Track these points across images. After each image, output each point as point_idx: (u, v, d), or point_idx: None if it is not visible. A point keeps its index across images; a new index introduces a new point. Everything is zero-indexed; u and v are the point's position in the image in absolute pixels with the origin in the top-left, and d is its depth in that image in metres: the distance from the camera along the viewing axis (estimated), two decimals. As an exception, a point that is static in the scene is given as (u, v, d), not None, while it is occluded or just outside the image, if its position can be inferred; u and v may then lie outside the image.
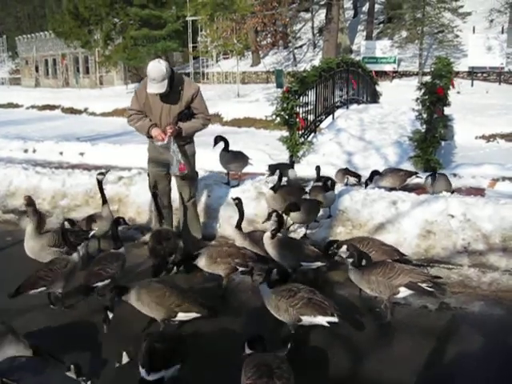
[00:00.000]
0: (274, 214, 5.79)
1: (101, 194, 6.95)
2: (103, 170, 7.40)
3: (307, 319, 4.43)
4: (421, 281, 4.88)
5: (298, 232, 7.16)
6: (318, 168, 8.15)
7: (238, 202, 6.29)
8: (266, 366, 3.52)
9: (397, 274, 4.89)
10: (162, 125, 6.13)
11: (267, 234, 5.70)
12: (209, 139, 7.97)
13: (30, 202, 6.17)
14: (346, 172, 9.15)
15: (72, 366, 3.85)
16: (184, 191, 6.51)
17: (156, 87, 5.80)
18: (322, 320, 4.40)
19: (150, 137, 6.24)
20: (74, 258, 5.52)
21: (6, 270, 6.27)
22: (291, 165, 8.93)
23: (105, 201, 6.91)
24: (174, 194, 6.69)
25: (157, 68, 5.72)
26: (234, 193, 7.58)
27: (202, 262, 5.61)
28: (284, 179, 8.28)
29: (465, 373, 4.27)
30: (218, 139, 8.16)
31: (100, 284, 5.33)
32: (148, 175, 6.68)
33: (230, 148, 8.33)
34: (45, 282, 5.19)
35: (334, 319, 4.37)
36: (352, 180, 8.99)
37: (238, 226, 6.19)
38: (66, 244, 5.77)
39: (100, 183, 6.96)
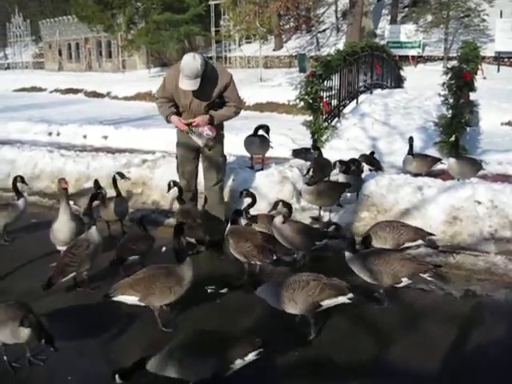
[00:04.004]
0: (281, 204, 5.78)
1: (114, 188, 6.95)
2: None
3: (328, 303, 4.43)
4: (423, 271, 4.85)
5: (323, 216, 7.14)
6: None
7: (249, 193, 6.43)
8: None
9: (400, 264, 4.85)
10: (192, 114, 6.10)
11: (278, 220, 5.69)
12: (232, 123, 7.96)
13: (64, 186, 5.92)
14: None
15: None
16: (211, 175, 6.51)
17: (189, 84, 5.71)
18: (343, 299, 4.44)
19: (169, 122, 6.23)
20: (94, 237, 5.42)
21: (32, 253, 6.33)
22: (316, 147, 8.85)
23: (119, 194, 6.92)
24: (201, 178, 6.71)
25: (191, 65, 5.60)
26: (258, 177, 7.58)
27: (226, 245, 5.69)
28: (307, 163, 8.28)
29: (489, 360, 4.22)
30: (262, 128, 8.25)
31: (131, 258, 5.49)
32: (176, 158, 6.69)
33: (251, 132, 8.35)
34: (72, 267, 5.20)
35: (351, 295, 4.43)
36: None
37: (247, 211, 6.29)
38: (89, 216, 5.62)
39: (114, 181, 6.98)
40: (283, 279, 4.59)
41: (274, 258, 5.49)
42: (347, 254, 5.01)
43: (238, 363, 3.72)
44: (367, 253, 5.17)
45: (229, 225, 5.74)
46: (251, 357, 3.74)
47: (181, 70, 5.66)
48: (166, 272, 4.61)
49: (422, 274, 4.84)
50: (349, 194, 7.53)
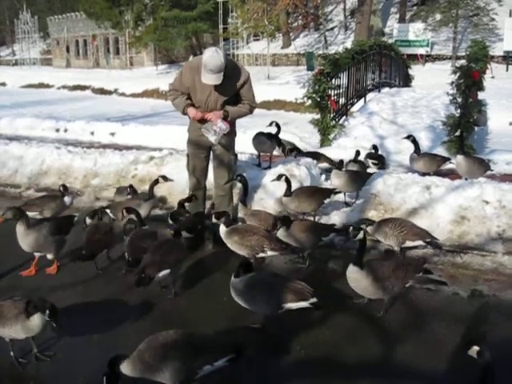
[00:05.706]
0: (279, 222, 5.70)
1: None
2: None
3: (289, 306, 4.39)
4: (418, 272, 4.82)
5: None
6: (357, 152, 8.47)
7: (242, 178, 6.55)
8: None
9: (406, 271, 4.72)
10: (208, 109, 6.09)
11: (280, 233, 5.65)
12: (239, 120, 7.96)
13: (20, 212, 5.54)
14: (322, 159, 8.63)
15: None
16: (222, 174, 6.51)
17: (212, 78, 5.68)
18: (304, 304, 4.39)
19: (185, 114, 6.20)
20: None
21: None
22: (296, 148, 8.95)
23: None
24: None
25: (215, 59, 5.57)
26: (266, 175, 7.56)
27: (227, 242, 5.64)
28: (315, 162, 8.27)
29: (496, 360, 4.19)
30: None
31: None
32: (187, 156, 6.68)
33: (261, 130, 8.32)
34: (106, 244, 5.61)
35: (314, 300, 4.36)
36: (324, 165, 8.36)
37: (243, 201, 6.45)
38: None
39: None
40: (251, 279, 4.49)
41: (284, 246, 5.49)
42: (353, 268, 4.61)
43: (206, 369, 3.55)
44: (369, 266, 4.69)
45: (222, 228, 5.62)
46: (221, 363, 3.59)
47: (203, 64, 5.63)
48: None
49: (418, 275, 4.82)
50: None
